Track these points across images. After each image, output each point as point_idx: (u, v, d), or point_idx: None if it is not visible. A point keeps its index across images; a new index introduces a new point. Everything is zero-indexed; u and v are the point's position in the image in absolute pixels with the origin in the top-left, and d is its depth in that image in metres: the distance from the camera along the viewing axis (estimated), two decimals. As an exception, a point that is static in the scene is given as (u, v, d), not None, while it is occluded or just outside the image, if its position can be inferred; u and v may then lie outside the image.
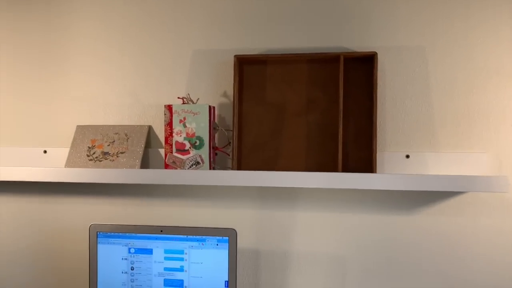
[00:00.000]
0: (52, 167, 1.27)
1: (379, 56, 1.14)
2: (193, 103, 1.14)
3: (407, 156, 1.14)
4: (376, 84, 1.11)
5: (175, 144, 1.12)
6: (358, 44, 1.16)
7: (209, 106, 1.11)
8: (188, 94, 1.16)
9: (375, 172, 1.11)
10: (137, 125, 1.22)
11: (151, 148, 1.23)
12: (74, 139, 1.23)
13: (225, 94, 1.21)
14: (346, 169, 1.14)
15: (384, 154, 1.14)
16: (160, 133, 1.24)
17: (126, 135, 1.22)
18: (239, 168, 1.17)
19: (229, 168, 1.18)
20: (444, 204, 1.14)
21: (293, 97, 1.17)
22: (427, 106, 1.15)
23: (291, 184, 1.03)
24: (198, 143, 1.11)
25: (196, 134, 1.11)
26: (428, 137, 1.15)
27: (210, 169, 1.11)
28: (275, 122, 1.17)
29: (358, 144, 1.14)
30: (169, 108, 1.12)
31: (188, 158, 1.11)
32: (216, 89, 1.21)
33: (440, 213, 1.13)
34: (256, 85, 1.18)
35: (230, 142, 1.17)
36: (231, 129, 1.20)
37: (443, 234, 1.13)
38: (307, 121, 1.16)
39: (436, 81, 1.14)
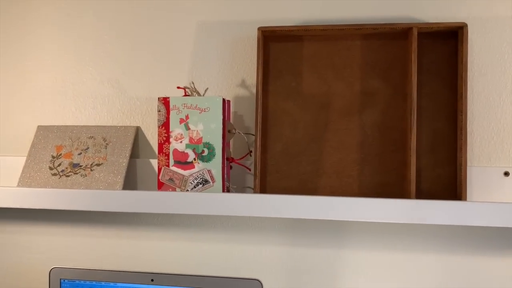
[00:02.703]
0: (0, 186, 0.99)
1: (469, 30, 0.85)
2: (199, 95, 0.86)
3: (506, 174, 0.85)
4: (466, 70, 0.82)
5: (174, 153, 0.84)
6: (436, 14, 0.88)
7: (223, 100, 0.82)
8: (192, 83, 0.87)
9: (464, 197, 0.82)
10: (120, 126, 0.94)
11: (139, 159, 0.94)
12: (33, 145, 0.95)
13: (243, 84, 0.93)
14: (419, 192, 0.85)
15: (472, 170, 0.85)
16: (153, 138, 0.95)
17: (104, 140, 0.93)
18: (264, 189, 0.88)
19: (250, 189, 0.90)
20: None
21: (341, 88, 0.88)
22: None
23: (340, 216, 0.74)
24: (206, 152, 0.82)
25: (203, 140, 0.82)
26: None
27: (223, 191, 0.82)
28: (315, 123, 0.88)
29: (436, 156, 0.85)
30: (165, 102, 0.84)
31: (192, 175, 0.83)
32: (230, 76, 0.93)
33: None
34: (288, 71, 0.89)
35: (251, 152, 0.89)
36: (253, 133, 0.91)
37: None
38: (361, 123, 0.87)
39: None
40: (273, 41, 0.90)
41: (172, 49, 0.95)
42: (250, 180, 0.91)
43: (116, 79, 0.97)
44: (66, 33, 0.99)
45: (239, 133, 0.86)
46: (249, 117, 0.92)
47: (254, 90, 0.92)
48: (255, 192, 0.85)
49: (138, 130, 0.96)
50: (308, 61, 0.89)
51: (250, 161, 0.90)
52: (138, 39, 0.96)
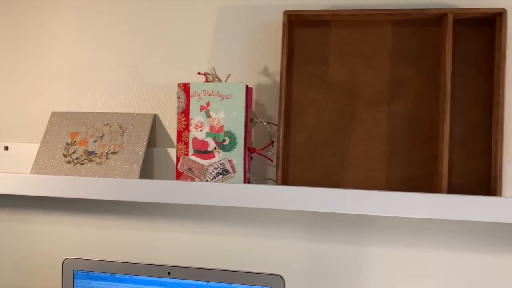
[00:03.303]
0: (13, 172, 0.97)
1: (508, 17, 0.81)
2: (220, 81, 0.83)
3: (544, 170, 0.81)
4: (504, 59, 0.78)
5: (193, 142, 0.81)
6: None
7: (246, 86, 0.79)
8: (213, 69, 0.85)
9: (499, 193, 0.78)
10: (137, 114, 0.91)
11: (156, 148, 0.92)
12: (47, 131, 0.93)
13: (265, 71, 0.90)
14: (450, 187, 0.82)
15: (507, 165, 0.82)
16: (171, 126, 0.92)
17: (120, 127, 0.91)
18: (286, 181, 0.85)
19: (272, 181, 0.87)
20: None
21: (369, 76, 0.85)
22: None
23: (366, 210, 0.71)
24: (227, 141, 0.79)
25: (225, 128, 0.80)
26: None
27: (244, 182, 0.80)
28: (341, 113, 0.85)
29: (468, 149, 0.82)
30: (185, 88, 0.81)
31: (212, 164, 0.80)
32: (252, 63, 0.90)
33: None
34: (314, 58, 0.86)
35: (273, 142, 0.86)
36: (275, 122, 0.88)
37: None
38: (390, 113, 0.84)
39: None
40: (299, 26, 0.87)
41: (193, 34, 0.92)
42: (271, 172, 0.88)
43: (133, 64, 0.95)
44: (83, 17, 0.97)
45: (261, 122, 0.83)
46: (271, 106, 0.89)
47: (277, 78, 0.89)
48: (276, 184, 0.82)
49: (155, 117, 0.93)
50: (335, 47, 0.86)
51: (271, 152, 0.87)
52: (157, 23, 0.94)
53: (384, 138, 0.84)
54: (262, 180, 0.88)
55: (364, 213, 0.71)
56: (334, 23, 0.86)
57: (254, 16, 0.90)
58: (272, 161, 0.86)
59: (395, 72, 0.84)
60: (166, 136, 0.93)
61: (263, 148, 0.85)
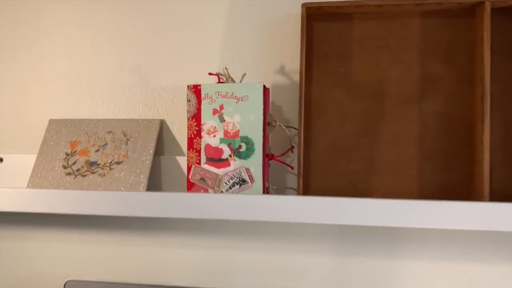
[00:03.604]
0: (8, 187, 0.90)
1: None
2: (233, 82, 0.76)
3: None
4: (548, 49, 0.72)
5: (206, 149, 0.74)
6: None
7: (264, 87, 0.72)
8: (226, 69, 0.78)
9: (546, 199, 0.71)
10: (143, 120, 0.84)
11: (164, 156, 0.85)
12: (45, 141, 0.85)
13: (282, 70, 0.83)
14: (491, 193, 0.74)
15: (552, 168, 0.74)
16: (179, 132, 0.85)
17: (124, 134, 0.84)
18: (307, 190, 0.78)
19: (293, 190, 0.79)
20: None
21: (397, 73, 0.77)
22: None
23: (397, 222, 0.64)
24: (244, 148, 0.72)
25: (241, 133, 0.72)
26: None
27: (263, 192, 0.72)
28: (367, 114, 0.78)
29: (509, 151, 0.75)
30: (195, 90, 0.74)
31: (227, 174, 0.73)
32: (267, 61, 0.82)
33: None
34: (336, 55, 0.79)
35: (293, 147, 0.79)
36: (293, 125, 0.81)
37: None
38: (421, 113, 0.77)
39: None
40: (318, 20, 0.80)
41: (202, 31, 0.85)
42: (291, 180, 0.81)
43: (137, 66, 0.87)
44: (82, 14, 0.90)
45: (280, 125, 0.76)
46: (289, 108, 0.82)
47: (295, 77, 0.82)
48: (298, 193, 0.75)
49: (162, 123, 0.86)
50: (359, 42, 0.79)
51: (290, 158, 0.80)
52: (163, 19, 0.86)
53: (415, 140, 0.77)
54: (282, 190, 0.80)
55: (395, 225, 0.64)
56: (357, 15, 0.79)
57: (269, 9, 0.83)
58: (292, 168, 0.78)
59: (426, 68, 0.77)
60: (174, 144, 0.86)
61: (282, 154, 0.77)
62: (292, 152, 0.79)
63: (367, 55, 0.79)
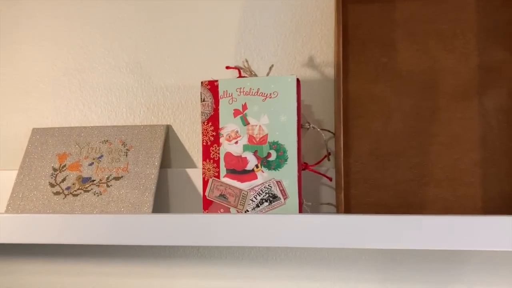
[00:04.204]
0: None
1: None
2: (255, 75, 0.63)
3: None
4: None
5: (226, 159, 0.60)
6: None
7: (297, 81, 0.59)
8: (246, 61, 0.65)
9: None
10: (145, 126, 0.71)
11: (171, 169, 0.71)
12: (27, 154, 0.72)
13: (311, 62, 0.70)
14: None
15: None
16: (190, 139, 0.72)
17: (124, 144, 0.70)
18: (348, 206, 0.65)
19: (332, 207, 0.66)
20: None
21: (451, 62, 0.65)
22: None
23: (459, 244, 0.51)
24: (274, 156, 0.59)
25: (270, 139, 0.59)
26: None
27: (299, 211, 0.59)
28: (417, 112, 0.65)
29: None
30: (211, 87, 0.61)
31: (253, 188, 0.60)
32: (293, 52, 0.70)
33: None
34: (376, 42, 0.66)
35: (329, 154, 0.66)
36: (326, 127, 0.68)
37: None
38: (482, 109, 0.64)
39: None
40: (353, 2, 0.67)
41: (214, 19, 0.72)
42: (325, 194, 0.68)
43: (137, 62, 0.74)
44: (70, 3, 0.76)
45: (314, 128, 0.63)
46: (319, 107, 0.69)
47: (327, 70, 0.69)
48: (338, 210, 0.62)
49: (168, 129, 0.73)
50: (404, 27, 0.66)
51: (325, 168, 0.67)
52: (167, 6, 0.73)
53: (476, 142, 0.64)
54: (317, 206, 0.67)
55: (457, 249, 0.52)
56: (401, -5, 0.67)
57: (295, -9, 0.70)
58: (331, 180, 0.65)
59: (485, 55, 0.65)
60: (184, 154, 0.72)
61: (317, 163, 0.64)
62: (329, 159, 0.66)
63: (414, 42, 0.66)
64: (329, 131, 0.66)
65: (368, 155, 0.66)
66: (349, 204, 0.66)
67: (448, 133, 0.65)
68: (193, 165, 0.71)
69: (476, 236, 0.53)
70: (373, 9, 0.68)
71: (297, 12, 0.70)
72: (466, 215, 0.54)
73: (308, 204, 0.64)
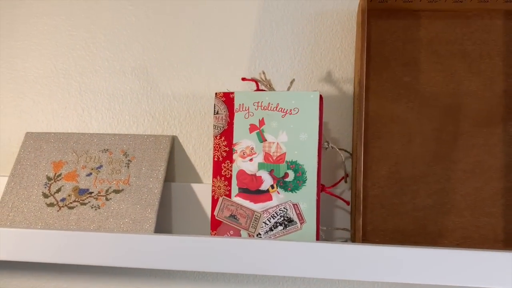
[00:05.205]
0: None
1: None
2: (272, 89, 0.59)
3: None
4: None
5: (239, 177, 0.56)
6: None
7: (320, 97, 0.56)
8: (263, 72, 0.61)
9: None
10: (149, 135, 0.66)
11: (175, 183, 0.67)
12: (19, 160, 0.66)
13: (329, 78, 0.67)
14: None
15: None
16: (196, 152, 0.67)
17: (125, 154, 0.65)
18: (365, 233, 0.61)
19: (347, 232, 0.62)
20: None
21: (476, 86, 0.63)
22: None
23: (479, 282, 0.49)
24: (292, 176, 0.55)
25: (287, 158, 0.55)
26: None
27: (317, 238, 0.55)
28: (439, 136, 0.62)
29: None
30: (226, 99, 0.57)
31: (267, 210, 0.56)
32: (310, 66, 0.66)
33: None
34: (399, 61, 0.63)
35: (346, 176, 0.62)
36: (343, 147, 0.65)
37: None
38: (507, 136, 0.62)
39: None
40: (378, 17, 0.64)
41: (228, 27, 0.68)
42: (340, 218, 0.64)
43: (144, 67, 0.69)
44: (73, 2, 0.71)
45: (333, 148, 0.60)
46: (336, 125, 0.66)
47: (346, 87, 0.66)
48: (355, 237, 0.58)
49: (174, 141, 0.68)
50: (428, 46, 0.64)
51: (340, 190, 0.63)
52: (177, 9, 0.69)
53: (499, 170, 0.62)
54: (333, 231, 0.63)
55: (475, 286, 0.49)
56: (427, 13, 0.64)
57: (313, 1, 0.67)
58: (348, 203, 0.62)
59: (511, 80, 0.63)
60: (189, 167, 0.68)
61: (334, 185, 0.61)
62: (346, 182, 0.62)
63: (439, 63, 0.63)
64: (345, 150, 0.63)
65: (386, 179, 0.63)
66: (365, 230, 0.63)
67: (470, 160, 0.62)
68: (199, 180, 0.67)
69: (498, 273, 0.50)
70: (397, 26, 0.65)
71: (316, 24, 0.67)
72: (487, 250, 0.51)
73: (323, 229, 0.60)
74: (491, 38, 0.64)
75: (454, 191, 0.62)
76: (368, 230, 0.63)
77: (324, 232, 0.61)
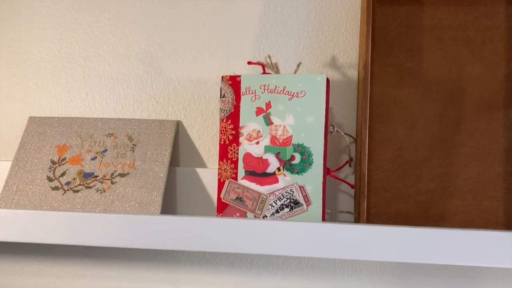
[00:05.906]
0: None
1: None
2: (278, 72, 0.59)
3: None
4: None
5: (245, 160, 0.57)
6: None
7: (327, 80, 0.56)
8: (269, 56, 0.61)
9: None
10: (153, 120, 0.66)
11: (179, 167, 0.67)
12: (23, 144, 0.66)
13: (333, 63, 0.67)
14: None
15: None
16: (201, 137, 0.68)
17: (130, 138, 0.66)
18: (369, 217, 0.62)
19: (351, 215, 0.63)
20: None
21: (479, 71, 0.63)
22: None
23: (479, 260, 0.50)
24: (298, 159, 0.56)
25: (294, 141, 0.56)
26: None
27: (323, 219, 0.56)
28: (442, 121, 0.63)
29: None
30: (233, 82, 0.57)
31: (273, 193, 0.56)
32: (315, 51, 0.67)
33: None
34: (403, 46, 0.64)
35: (351, 160, 0.63)
36: (347, 131, 0.65)
37: None
38: (509, 121, 0.63)
39: None
40: (381, 3, 0.65)
41: (233, 11, 0.68)
42: (343, 201, 0.65)
43: (148, 52, 0.69)
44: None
45: (338, 132, 0.60)
46: (340, 110, 0.66)
47: (350, 72, 0.66)
48: (359, 220, 0.59)
49: (178, 125, 0.68)
50: (432, 32, 0.64)
51: (344, 174, 0.64)
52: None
53: (501, 154, 0.62)
54: (336, 214, 0.64)
55: (476, 265, 0.50)
56: (430, 1, 0.64)
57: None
58: (353, 187, 0.62)
59: (513, 66, 0.64)
60: (193, 152, 0.68)
61: (338, 169, 0.61)
62: (350, 166, 0.63)
63: (442, 49, 0.64)
64: (349, 135, 0.64)
65: (389, 163, 0.64)
66: (368, 213, 0.63)
67: (472, 144, 0.63)
68: (203, 165, 0.67)
69: (498, 252, 0.51)
70: (401, 12, 0.65)
71: (321, 9, 0.67)
72: (489, 230, 0.52)
73: (328, 211, 0.61)
74: (494, 25, 0.64)
75: (456, 175, 0.63)
76: (372, 213, 0.64)
77: (329, 216, 0.62)
